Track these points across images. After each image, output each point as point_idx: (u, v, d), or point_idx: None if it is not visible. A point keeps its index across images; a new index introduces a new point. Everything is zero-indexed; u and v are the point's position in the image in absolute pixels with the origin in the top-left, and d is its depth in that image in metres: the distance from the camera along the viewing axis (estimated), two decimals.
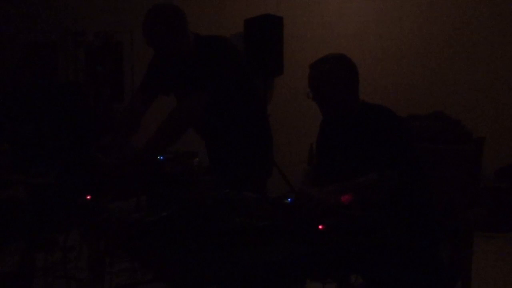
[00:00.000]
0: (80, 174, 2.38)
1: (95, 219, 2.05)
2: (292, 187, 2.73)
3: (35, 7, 5.35)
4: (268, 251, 1.68)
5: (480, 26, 5.19)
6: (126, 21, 5.19)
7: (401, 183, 2.03)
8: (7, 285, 2.94)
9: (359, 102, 2.23)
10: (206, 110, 2.51)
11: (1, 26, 5.16)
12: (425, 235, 2.11)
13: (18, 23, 5.23)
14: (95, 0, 5.41)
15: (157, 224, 1.86)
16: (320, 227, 1.79)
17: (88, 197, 2.15)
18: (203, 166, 2.54)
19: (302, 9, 5.60)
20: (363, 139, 2.15)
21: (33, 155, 2.82)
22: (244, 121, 2.68)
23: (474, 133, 3.07)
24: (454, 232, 2.26)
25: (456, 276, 2.25)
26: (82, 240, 3.36)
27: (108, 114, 4.08)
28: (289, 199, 1.98)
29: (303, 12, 5.60)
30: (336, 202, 1.94)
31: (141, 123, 2.75)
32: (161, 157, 2.38)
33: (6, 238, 2.47)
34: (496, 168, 4.81)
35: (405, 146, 2.13)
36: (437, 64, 5.31)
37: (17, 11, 5.32)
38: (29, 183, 2.32)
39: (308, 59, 2.30)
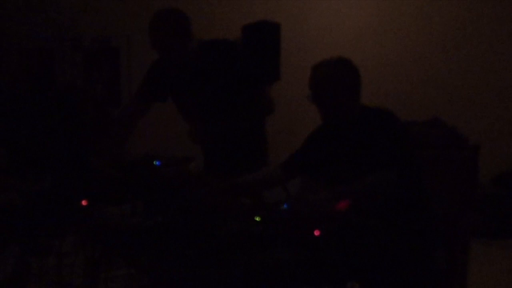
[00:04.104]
0: (75, 179, 2.38)
1: (91, 224, 2.04)
2: (289, 192, 2.72)
3: (32, 12, 5.35)
4: (264, 257, 1.68)
5: (477, 32, 5.21)
6: (123, 27, 5.19)
7: (399, 186, 2.03)
8: None
9: (359, 106, 2.24)
10: (206, 113, 2.53)
11: None
12: (422, 241, 2.11)
13: (14, 28, 5.22)
14: (92, 6, 5.41)
15: (153, 230, 1.86)
16: (316, 233, 1.79)
17: (84, 202, 2.14)
18: (200, 171, 2.54)
19: (299, 16, 5.61)
20: (362, 142, 2.16)
21: (28, 160, 2.82)
22: (240, 125, 2.69)
23: (470, 139, 3.08)
24: (451, 238, 2.26)
25: (453, 283, 2.24)
26: (78, 246, 3.34)
27: (105, 119, 4.07)
28: (285, 205, 1.97)
29: (300, 19, 5.61)
30: (333, 208, 1.93)
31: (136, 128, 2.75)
32: (158, 162, 2.38)
33: (1, 243, 2.45)
34: (492, 175, 4.81)
35: (404, 149, 2.13)
36: (434, 70, 5.32)
37: (13, 16, 5.32)
38: (24, 188, 2.31)
39: (305, 66, 2.30)
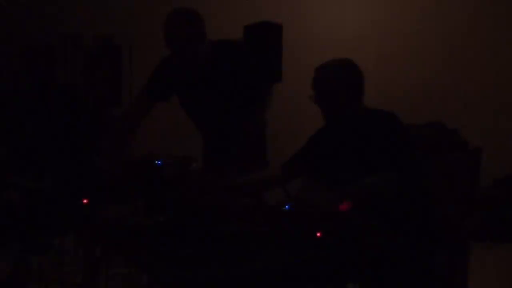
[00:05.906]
0: (77, 177, 2.38)
1: (91, 223, 2.04)
2: (289, 193, 2.73)
3: (33, 10, 5.34)
4: (265, 258, 1.67)
5: (477, 34, 5.21)
6: (125, 25, 5.19)
7: (401, 188, 2.03)
8: None
9: (362, 108, 2.24)
10: (215, 113, 2.54)
11: None
12: (423, 243, 2.11)
13: (15, 26, 5.22)
14: (94, 4, 5.41)
15: (154, 229, 1.86)
16: (318, 234, 1.79)
17: (85, 201, 2.14)
18: (201, 171, 2.54)
19: (301, 17, 5.61)
20: (364, 144, 2.16)
21: (29, 159, 2.82)
22: (241, 125, 2.69)
23: (472, 142, 3.08)
24: (452, 241, 2.26)
25: (453, 286, 2.24)
26: (78, 244, 3.35)
27: (106, 117, 4.07)
28: (286, 206, 1.97)
29: (302, 20, 5.61)
30: (335, 209, 1.93)
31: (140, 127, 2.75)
32: (159, 162, 2.37)
33: (1, 242, 2.46)
34: (494, 177, 4.81)
35: (406, 151, 2.14)
36: (435, 72, 5.32)
37: (15, 14, 5.31)
38: (24, 187, 2.31)
39: (307, 67, 2.31)
